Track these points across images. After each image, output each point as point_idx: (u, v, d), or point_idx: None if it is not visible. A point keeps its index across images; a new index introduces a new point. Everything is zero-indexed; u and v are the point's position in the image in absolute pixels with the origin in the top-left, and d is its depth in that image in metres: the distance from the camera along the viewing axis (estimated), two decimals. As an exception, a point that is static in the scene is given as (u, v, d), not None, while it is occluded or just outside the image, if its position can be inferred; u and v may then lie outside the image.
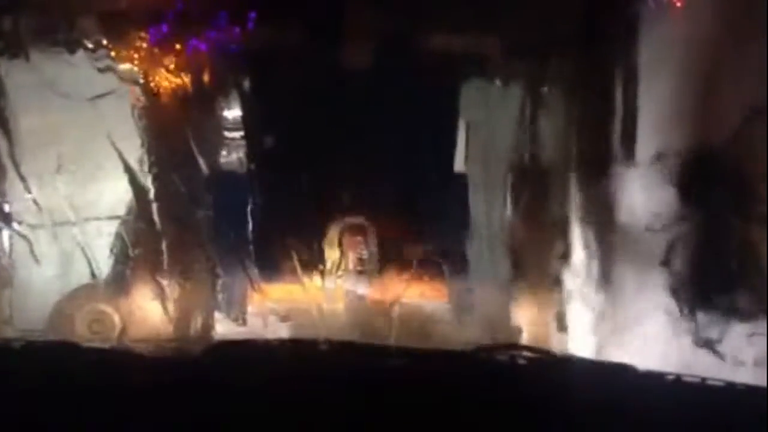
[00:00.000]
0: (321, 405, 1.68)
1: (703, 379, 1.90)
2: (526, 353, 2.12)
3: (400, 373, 1.99)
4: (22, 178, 8.26)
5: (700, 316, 4.62)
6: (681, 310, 4.72)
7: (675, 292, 4.75)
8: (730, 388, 1.87)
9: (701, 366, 4.59)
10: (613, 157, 6.60)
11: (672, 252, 4.79)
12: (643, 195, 5.74)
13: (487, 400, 1.73)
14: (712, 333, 4.54)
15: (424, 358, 2.26)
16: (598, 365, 2.61)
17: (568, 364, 2.45)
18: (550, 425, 1.64)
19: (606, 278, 6.77)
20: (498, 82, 8.46)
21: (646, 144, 5.80)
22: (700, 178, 4.69)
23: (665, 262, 4.85)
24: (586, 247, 7.37)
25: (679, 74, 5.26)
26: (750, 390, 1.86)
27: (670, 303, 4.81)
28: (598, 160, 6.93)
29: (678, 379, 1.91)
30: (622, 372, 2.00)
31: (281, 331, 11.21)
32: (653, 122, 5.73)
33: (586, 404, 1.70)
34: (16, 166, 8.25)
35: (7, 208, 8.21)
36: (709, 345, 4.53)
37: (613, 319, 6.63)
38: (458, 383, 1.86)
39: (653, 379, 1.97)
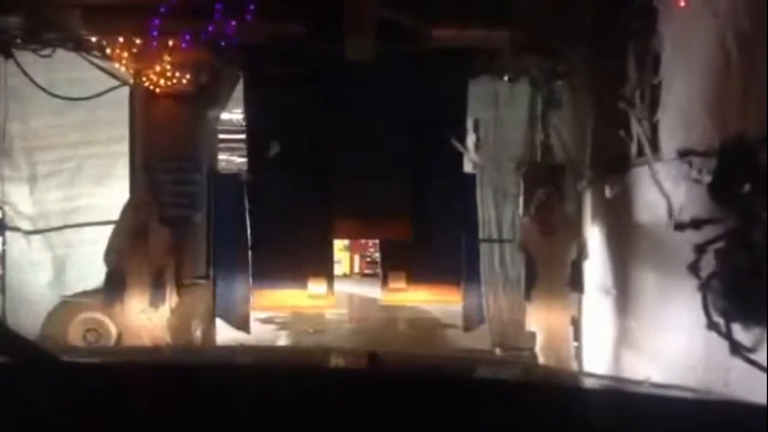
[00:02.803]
0: (323, 413, 1.64)
1: (710, 394, 1.89)
2: (534, 360, 1.95)
3: (405, 379, 1.90)
4: (16, 183, 8.03)
5: (733, 324, 4.29)
6: (711, 317, 4.39)
7: (705, 298, 4.41)
8: (735, 404, 1.90)
9: (731, 375, 4.30)
10: (635, 154, 6.30)
11: (701, 255, 4.46)
12: (668, 194, 5.42)
13: (496, 409, 1.68)
14: (746, 341, 4.22)
15: (431, 364, 2.26)
16: (608, 380, 2.60)
17: (577, 379, 2.50)
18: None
19: (628, 284, 6.46)
20: (509, 77, 8.22)
21: (670, 140, 5.48)
22: (731, 176, 4.36)
23: (694, 266, 4.52)
24: (606, 250, 7.07)
25: (707, 65, 4.93)
26: (756, 407, 1.77)
27: (700, 310, 4.47)
28: (618, 157, 6.62)
29: (688, 393, 1.92)
30: (632, 387, 2.05)
31: (284, 337, 10.98)
32: (678, 116, 5.41)
33: (596, 419, 1.68)
34: (10, 170, 8.02)
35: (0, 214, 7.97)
36: (742, 353, 4.20)
37: (635, 327, 6.32)
38: (467, 390, 1.82)
39: (663, 395, 1.94)
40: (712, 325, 4.38)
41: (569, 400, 1.84)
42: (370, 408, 1.66)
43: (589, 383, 2.38)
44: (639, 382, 2.00)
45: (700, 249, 4.47)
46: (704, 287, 4.42)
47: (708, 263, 4.44)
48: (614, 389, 2.12)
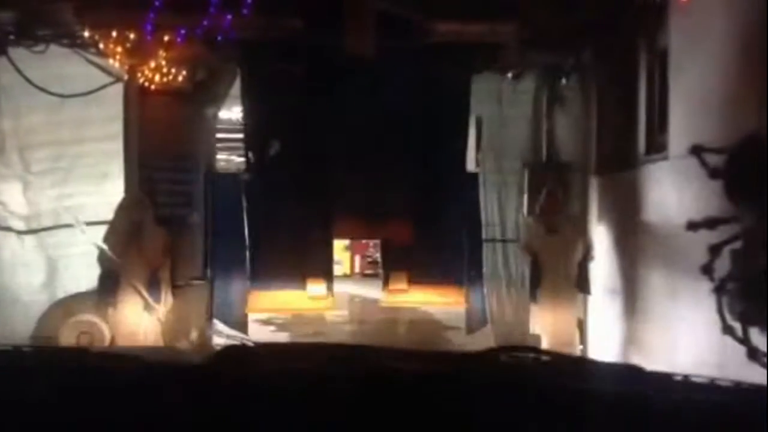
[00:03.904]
0: (329, 409, 1.66)
1: (712, 380, 1.89)
2: (533, 355, 2.15)
3: (409, 376, 1.93)
4: (8, 182, 7.85)
5: (748, 327, 4.11)
6: (726, 321, 4.20)
7: (719, 301, 4.23)
8: (737, 387, 1.89)
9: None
10: (643, 152, 6.15)
11: (715, 256, 4.28)
12: (677, 193, 5.25)
13: (496, 401, 1.71)
14: (764, 345, 4.03)
15: (434, 361, 2.24)
16: (607, 366, 2.54)
17: (578, 365, 2.52)
18: (560, 425, 1.66)
19: (635, 285, 6.28)
20: (513, 74, 8.04)
21: (679, 137, 5.30)
22: (746, 174, 4.17)
23: (707, 268, 4.34)
24: (613, 250, 6.89)
25: (718, 59, 4.76)
26: (756, 389, 1.87)
27: (714, 313, 4.29)
28: (625, 155, 6.45)
29: (686, 378, 1.92)
30: (632, 372, 2.03)
31: (283, 339, 10.81)
32: (688, 113, 5.24)
33: (595, 404, 1.73)
34: (2, 168, 7.84)
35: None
36: (760, 358, 4.02)
37: (642, 329, 6.14)
38: (467, 386, 1.83)
39: (662, 379, 1.97)
40: (727, 329, 4.20)
41: (577, 382, 1.87)
42: (370, 406, 1.67)
43: (591, 370, 2.39)
44: (641, 369, 2.01)
45: (714, 249, 4.29)
46: (719, 290, 4.25)
47: (722, 264, 4.27)
48: (618, 374, 2.11)
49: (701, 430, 1.67)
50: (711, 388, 1.89)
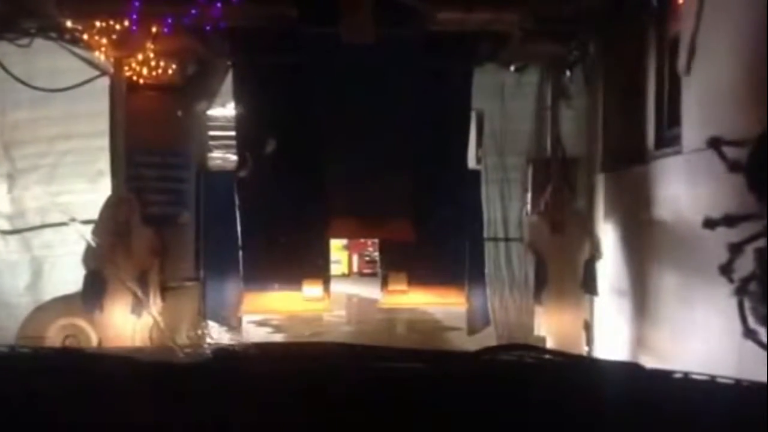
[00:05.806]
0: (325, 410, 1.66)
1: (712, 378, 1.88)
2: (532, 353, 2.17)
3: (405, 375, 1.93)
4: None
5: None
6: (748, 325, 3.95)
7: (740, 302, 3.98)
8: (737, 386, 1.90)
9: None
10: (653, 146, 5.89)
11: (736, 255, 4.02)
12: (692, 189, 4.99)
13: (492, 400, 1.73)
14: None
15: (432, 360, 2.25)
16: (607, 364, 2.62)
17: (577, 363, 2.52)
18: (559, 424, 1.65)
19: (644, 286, 6.03)
20: (516, 66, 7.80)
21: (692, 130, 5.04)
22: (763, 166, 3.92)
23: (726, 268, 4.08)
24: (620, 249, 6.64)
25: (734, 49, 4.50)
26: (756, 386, 1.88)
27: (733, 316, 4.04)
28: (634, 150, 6.20)
29: (686, 377, 1.91)
30: (631, 371, 2.05)
31: (280, 340, 10.58)
32: (701, 105, 4.98)
33: (595, 402, 1.72)
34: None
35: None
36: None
37: (651, 332, 5.89)
38: (464, 384, 1.83)
39: (662, 377, 1.98)
40: (748, 333, 3.95)
41: (576, 380, 1.90)
42: (367, 406, 1.67)
43: (590, 368, 2.40)
44: (641, 367, 2.03)
45: (734, 248, 4.03)
46: (740, 291, 3.98)
47: (743, 264, 4.01)
48: (618, 372, 2.12)
49: (701, 429, 1.66)
50: (711, 386, 1.89)
